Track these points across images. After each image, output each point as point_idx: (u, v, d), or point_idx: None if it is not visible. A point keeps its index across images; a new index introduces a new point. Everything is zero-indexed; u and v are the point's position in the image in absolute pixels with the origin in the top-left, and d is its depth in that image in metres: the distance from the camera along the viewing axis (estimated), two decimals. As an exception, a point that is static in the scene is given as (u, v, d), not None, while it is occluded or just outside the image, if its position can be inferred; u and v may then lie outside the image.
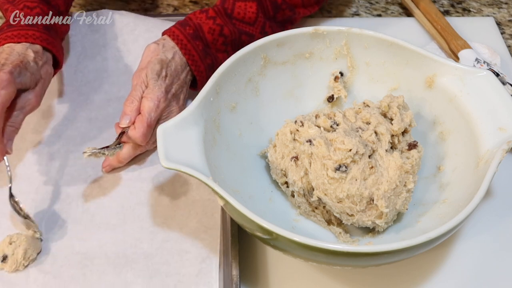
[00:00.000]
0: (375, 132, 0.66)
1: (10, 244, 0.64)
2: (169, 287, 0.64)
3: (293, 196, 0.69)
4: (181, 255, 0.67)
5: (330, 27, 0.74)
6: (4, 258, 0.64)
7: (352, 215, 0.64)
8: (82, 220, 0.70)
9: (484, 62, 0.86)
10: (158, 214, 0.70)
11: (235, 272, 0.63)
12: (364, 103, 0.71)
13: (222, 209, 0.70)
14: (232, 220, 0.66)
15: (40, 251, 0.66)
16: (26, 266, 0.65)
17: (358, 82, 0.77)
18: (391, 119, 0.69)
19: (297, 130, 0.68)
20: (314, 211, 0.68)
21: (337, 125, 0.67)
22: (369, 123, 0.68)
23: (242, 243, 0.67)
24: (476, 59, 0.86)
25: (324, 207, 0.68)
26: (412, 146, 0.68)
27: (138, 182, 0.74)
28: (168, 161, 0.58)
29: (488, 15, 1.01)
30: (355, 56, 0.75)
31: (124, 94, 0.83)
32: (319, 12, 1.01)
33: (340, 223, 0.67)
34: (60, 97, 0.83)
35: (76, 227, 0.69)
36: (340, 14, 1.01)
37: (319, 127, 0.68)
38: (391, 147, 0.68)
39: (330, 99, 0.76)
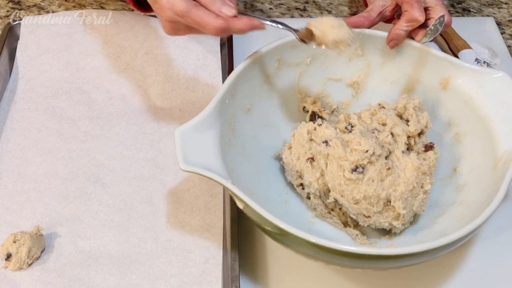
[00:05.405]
0: (391, 134, 0.66)
1: (14, 242, 0.63)
2: None
3: (308, 198, 0.69)
4: (185, 255, 0.66)
5: None
6: (8, 256, 0.63)
7: (369, 216, 0.64)
8: (84, 218, 0.69)
9: (484, 62, 0.86)
10: (161, 213, 0.70)
11: (235, 272, 0.62)
12: (379, 104, 0.71)
13: (224, 208, 0.70)
14: (232, 220, 0.66)
15: (44, 249, 0.66)
16: (30, 265, 0.64)
17: (372, 83, 0.77)
18: (407, 121, 0.69)
19: (315, 129, 0.68)
20: (330, 213, 0.68)
21: (352, 126, 0.67)
22: (385, 125, 0.67)
23: (241, 243, 0.67)
24: (476, 59, 0.86)
25: (340, 208, 0.68)
26: (428, 147, 0.68)
27: (141, 181, 0.73)
28: (187, 164, 0.57)
29: (488, 15, 1.02)
30: (369, 57, 0.75)
31: (126, 92, 0.83)
32: (319, 12, 1.01)
33: (356, 225, 0.67)
34: (62, 95, 0.82)
35: (78, 225, 0.68)
36: (340, 14, 1.01)
37: (335, 128, 0.68)
38: (407, 149, 0.68)
39: (312, 117, 0.75)
